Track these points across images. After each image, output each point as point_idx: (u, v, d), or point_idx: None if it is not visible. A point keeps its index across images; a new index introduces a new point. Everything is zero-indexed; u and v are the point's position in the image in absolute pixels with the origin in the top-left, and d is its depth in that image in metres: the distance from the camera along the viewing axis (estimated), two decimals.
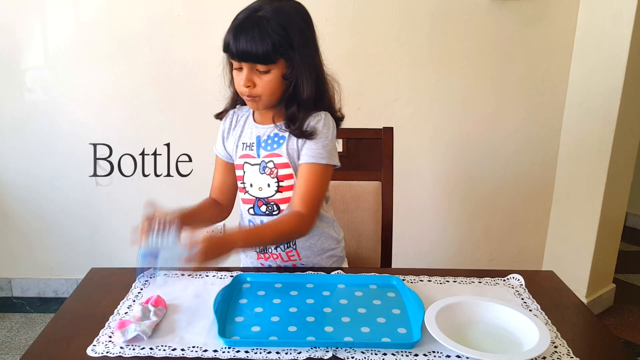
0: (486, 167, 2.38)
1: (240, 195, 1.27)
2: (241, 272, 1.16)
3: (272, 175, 1.21)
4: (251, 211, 1.25)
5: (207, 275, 1.16)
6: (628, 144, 2.21)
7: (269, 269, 1.24)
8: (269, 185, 1.22)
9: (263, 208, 1.24)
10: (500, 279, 1.17)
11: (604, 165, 2.15)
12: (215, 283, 1.12)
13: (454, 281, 1.16)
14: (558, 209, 2.42)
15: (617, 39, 2.04)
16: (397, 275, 1.15)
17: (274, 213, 1.23)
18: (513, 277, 1.17)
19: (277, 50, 1.09)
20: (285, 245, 1.25)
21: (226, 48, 1.11)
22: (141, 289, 1.10)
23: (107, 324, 0.96)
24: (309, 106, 1.17)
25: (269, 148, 1.21)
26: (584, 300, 2.29)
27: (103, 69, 2.20)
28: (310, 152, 1.18)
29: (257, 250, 1.26)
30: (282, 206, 1.22)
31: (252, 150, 1.22)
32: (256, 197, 1.23)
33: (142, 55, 2.19)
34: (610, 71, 2.08)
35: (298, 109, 1.17)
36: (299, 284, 1.12)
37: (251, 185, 1.23)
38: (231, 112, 1.29)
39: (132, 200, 2.35)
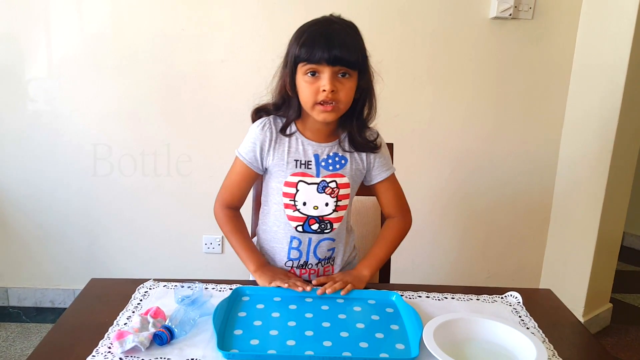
0: (485, 184, 2.39)
1: (285, 212, 1.24)
2: (240, 285, 1.17)
3: (332, 195, 1.22)
4: (300, 229, 1.24)
5: (206, 288, 1.16)
6: (626, 163, 2.23)
7: None
8: (326, 205, 1.22)
9: (315, 226, 1.24)
10: (498, 296, 1.18)
11: (602, 184, 2.16)
12: (214, 295, 1.12)
13: (452, 298, 1.16)
14: (555, 228, 2.43)
15: (615, 59, 2.07)
16: (395, 291, 1.16)
17: (326, 231, 1.24)
18: (511, 295, 1.18)
19: (361, 59, 1.14)
20: (325, 262, 1.28)
21: (309, 55, 1.10)
22: (141, 300, 1.10)
23: (106, 334, 0.96)
24: (366, 122, 1.23)
25: (330, 168, 1.22)
26: (581, 320, 2.29)
27: (106, 80, 2.22)
28: (383, 168, 1.27)
29: (295, 266, 1.28)
30: (335, 224, 1.25)
31: (309, 168, 1.21)
32: (308, 215, 1.23)
33: (146, 67, 2.20)
34: (608, 91, 2.11)
35: (363, 124, 1.23)
36: (297, 298, 1.13)
37: (304, 203, 1.22)
38: (267, 122, 1.23)
39: (132, 211, 2.36)
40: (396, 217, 1.32)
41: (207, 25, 2.17)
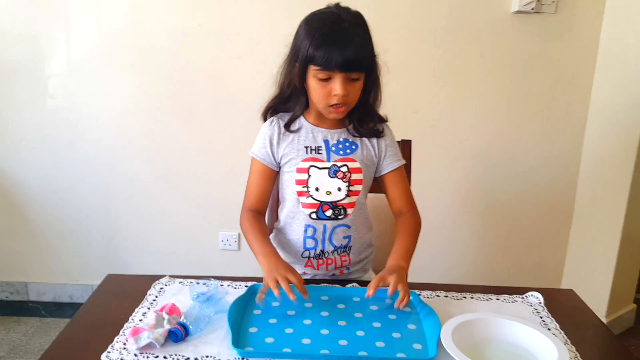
0: (505, 181, 2.35)
1: (299, 199, 1.24)
2: (256, 283, 1.16)
3: (344, 180, 1.22)
4: (314, 215, 1.24)
5: (221, 285, 1.16)
6: None
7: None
8: (339, 189, 1.23)
9: (329, 212, 1.23)
10: (518, 296, 1.16)
11: (626, 182, 2.11)
12: (230, 293, 1.12)
13: (471, 297, 1.14)
14: (578, 226, 2.39)
15: None
16: (413, 290, 1.14)
17: (340, 217, 1.24)
18: (532, 295, 1.15)
19: (372, 59, 1.14)
20: (341, 250, 1.28)
21: (323, 61, 1.08)
22: (156, 297, 1.10)
23: (121, 330, 0.96)
24: (373, 108, 1.24)
25: (341, 152, 1.23)
26: (604, 320, 2.25)
27: (124, 77, 2.23)
28: (394, 157, 1.27)
29: (312, 256, 1.28)
30: (349, 210, 1.24)
31: (319, 153, 1.23)
32: (321, 201, 1.23)
33: (163, 64, 2.21)
34: (634, 87, 2.05)
35: (368, 112, 1.23)
36: (313, 297, 1.11)
37: (317, 189, 1.22)
38: (275, 118, 1.26)
39: (149, 208, 2.37)
40: (408, 212, 1.28)
41: (223, 22, 2.16)
